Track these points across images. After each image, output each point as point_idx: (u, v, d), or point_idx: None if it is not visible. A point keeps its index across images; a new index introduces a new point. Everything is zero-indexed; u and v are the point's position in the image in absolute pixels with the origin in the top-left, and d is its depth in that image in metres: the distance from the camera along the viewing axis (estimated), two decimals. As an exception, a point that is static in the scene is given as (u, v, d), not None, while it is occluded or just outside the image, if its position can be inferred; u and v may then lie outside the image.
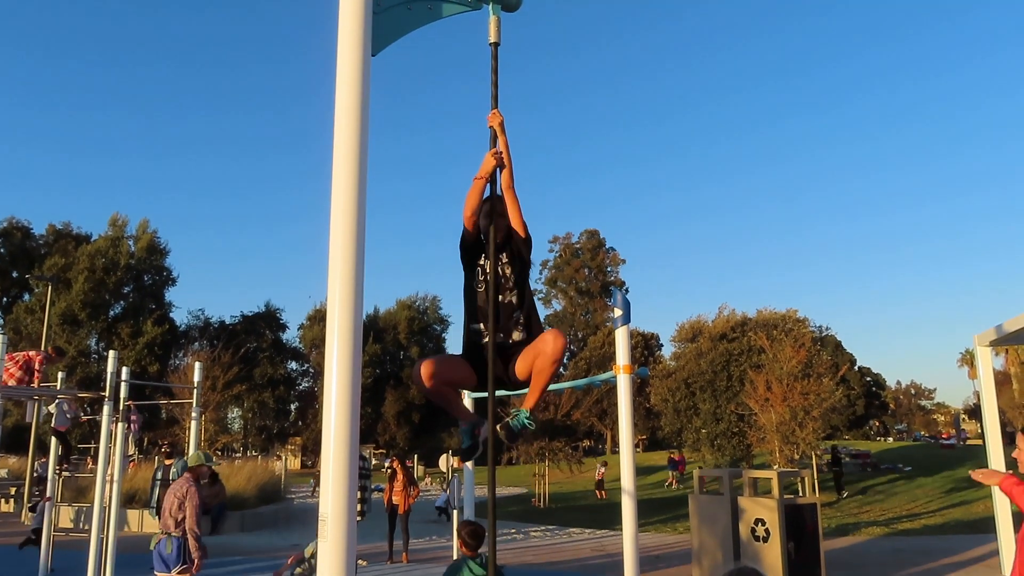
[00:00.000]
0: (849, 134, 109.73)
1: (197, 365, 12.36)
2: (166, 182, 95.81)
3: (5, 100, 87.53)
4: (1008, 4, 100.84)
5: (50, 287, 27.01)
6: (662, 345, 60.98)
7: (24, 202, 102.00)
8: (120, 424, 11.09)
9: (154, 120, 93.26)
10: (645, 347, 58.13)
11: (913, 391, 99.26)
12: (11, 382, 10.55)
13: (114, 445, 11.18)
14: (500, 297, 3.50)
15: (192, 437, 11.56)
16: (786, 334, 23.76)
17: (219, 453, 32.44)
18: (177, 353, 58.16)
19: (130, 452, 11.51)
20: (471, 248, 3.63)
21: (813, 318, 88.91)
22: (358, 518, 9.08)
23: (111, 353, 9.94)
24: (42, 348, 17.45)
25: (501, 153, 3.55)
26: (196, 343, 59.04)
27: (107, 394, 9.88)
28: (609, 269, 76.72)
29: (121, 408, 11.14)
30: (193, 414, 11.62)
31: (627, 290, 76.54)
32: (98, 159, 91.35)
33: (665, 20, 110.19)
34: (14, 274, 58.04)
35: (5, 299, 58.57)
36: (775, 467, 20.55)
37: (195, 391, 11.63)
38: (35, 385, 11.01)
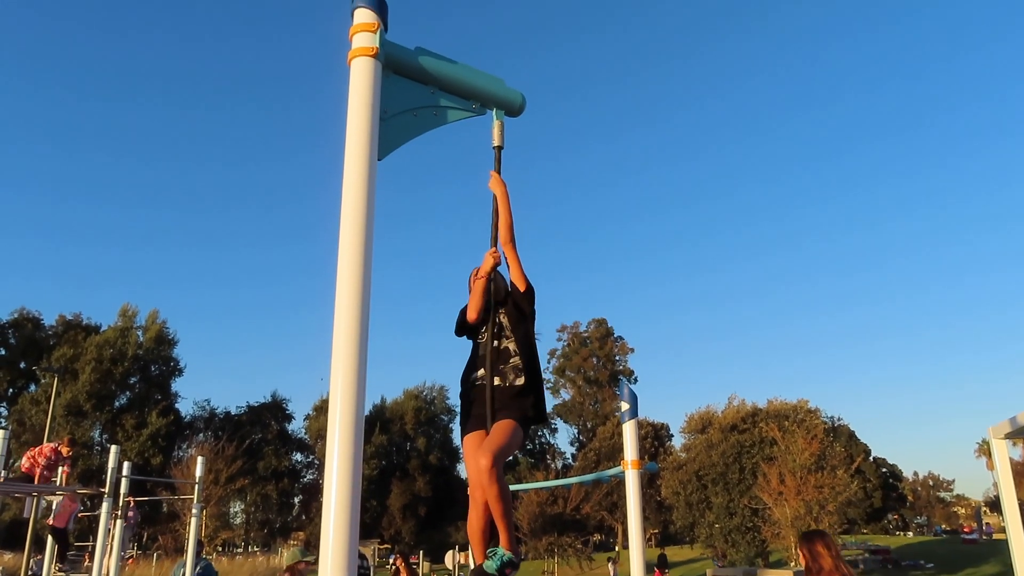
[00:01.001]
0: (860, 219, 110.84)
1: (199, 460, 12.21)
2: (176, 273, 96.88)
3: (17, 192, 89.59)
4: None
5: (56, 379, 26.96)
6: (672, 435, 60.07)
7: (35, 293, 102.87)
8: (119, 520, 10.91)
9: (166, 213, 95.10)
10: (655, 437, 57.16)
11: (931, 482, 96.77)
12: (41, 480, 10.18)
13: (112, 542, 10.96)
14: (497, 343, 3.57)
15: (192, 533, 11.30)
16: (798, 425, 23.35)
17: (219, 549, 31.63)
18: (181, 445, 57.58)
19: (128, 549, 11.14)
20: (470, 328, 3.76)
21: (825, 407, 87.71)
22: (358, 623, 8.65)
23: (113, 448, 9.85)
24: (47, 440, 17.28)
25: (499, 253, 3.68)
26: (200, 434, 58.51)
27: (107, 490, 9.72)
28: (618, 358, 76.31)
29: (121, 504, 10.99)
30: (194, 510, 11.40)
31: (636, 379, 76.08)
32: (110, 251, 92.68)
33: (666, 111, 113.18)
34: (22, 365, 58.09)
35: (11, 390, 58.43)
36: (791, 564, 19.89)
37: (196, 486, 11.45)
38: (67, 478, 10.57)
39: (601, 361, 75.24)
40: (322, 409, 64.87)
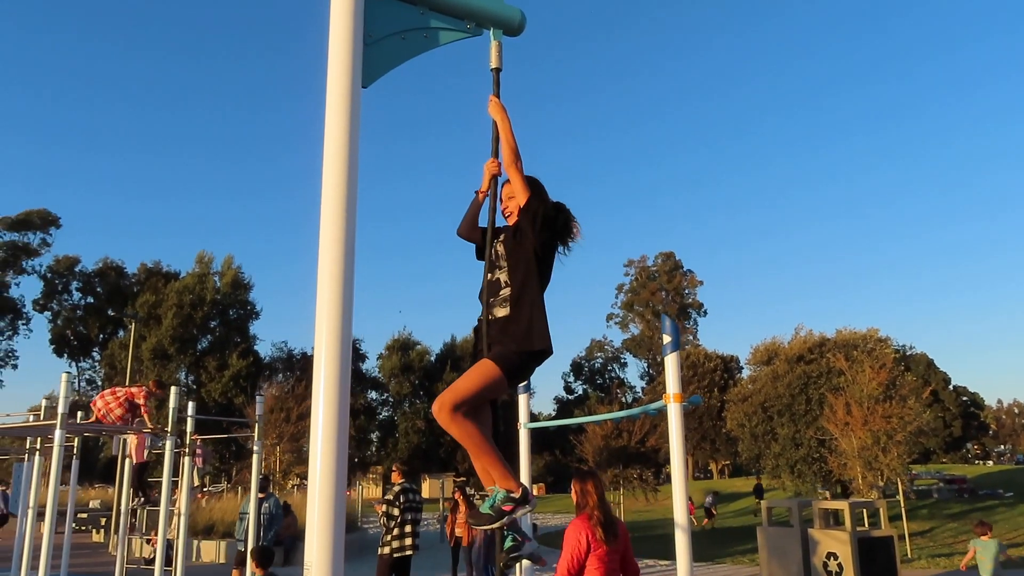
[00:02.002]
0: (935, 141, 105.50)
1: (258, 399, 12.58)
2: (249, 220, 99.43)
3: (99, 152, 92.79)
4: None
5: (134, 324, 28.16)
6: (742, 368, 59.43)
7: (118, 243, 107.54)
8: (186, 458, 11.36)
9: (237, 163, 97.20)
10: (725, 370, 56.61)
11: (1016, 410, 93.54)
12: (114, 420, 10.57)
13: (181, 478, 11.45)
14: (490, 275, 3.38)
15: (254, 469, 11.73)
16: (867, 354, 22.68)
17: (296, 484, 32.98)
18: (262, 385, 59.84)
19: (196, 484, 11.67)
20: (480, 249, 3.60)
21: (898, 336, 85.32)
22: (409, 552, 8.84)
23: (172, 389, 10.18)
24: (138, 383, 18.12)
25: (497, 163, 3.48)
26: (280, 374, 60.59)
27: (169, 429, 10.11)
28: (687, 291, 75.35)
29: (188, 443, 11.43)
30: (255, 447, 11.80)
31: (705, 312, 75.37)
32: (185, 201, 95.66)
33: (735, 32, 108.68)
34: (109, 312, 60.89)
35: (101, 336, 61.44)
36: (853, 494, 19.53)
37: (257, 424, 11.83)
38: (147, 421, 10.75)
39: (670, 295, 74.43)
40: (394, 348, 66.33)
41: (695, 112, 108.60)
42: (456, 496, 14.35)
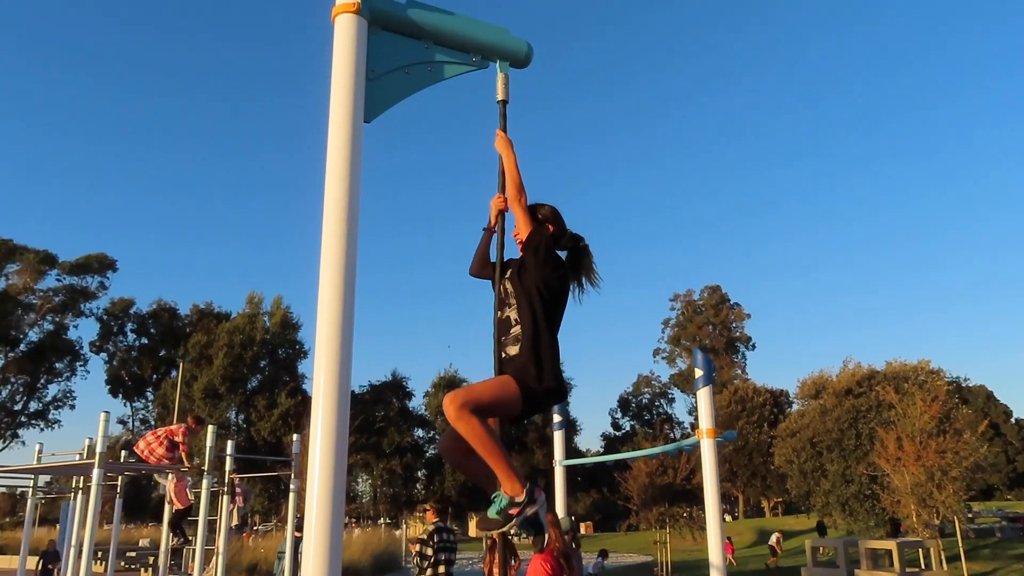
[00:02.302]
0: (986, 166, 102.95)
1: (295, 437, 12.65)
2: (296, 261, 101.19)
3: (154, 197, 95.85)
4: None
5: (181, 365, 28.72)
6: (792, 402, 58.08)
7: (171, 285, 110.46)
8: (224, 496, 11.44)
9: (286, 206, 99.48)
10: (774, 404, 55.35)
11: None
12: (157, 460, 10.57)
13: (219, 518, 11.53)
14: (499, 313, 3.35)
15: (290, 508, 11.75)
16: (918, 387, 21.91)
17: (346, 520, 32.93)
18: (304, 423, 60.42)
19: (236, 523, 11.71)
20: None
21: (953, 368, 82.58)
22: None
23: (209, 428, 10.29)
24: (179, 420, 18.38)
25: (503, 197, 3.45)
26: (327, 413, 60.98)
27: (206, 467, 10.20)
28: (734, 325, 74.25)
29: (226, 481, 11.52)
30: (292, 486, 11.84)
31: (753, 346, 74.03)
32: (236, 244, 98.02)
33: (780, 63, 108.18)
34: (162, 352, 62.28)
35: (155, 376, 62.78)
36: (907, 533, 18.69)
37: (292, 463, 11.88)
38: (184, 459, 10.81)
39: (717, 328, 73.44)
40: (440, 386, 66.49)
41: (737, 143, 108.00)
42: (493, 534, 14.12)
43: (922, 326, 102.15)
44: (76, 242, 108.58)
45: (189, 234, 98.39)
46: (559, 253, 3.53)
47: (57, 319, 57.54)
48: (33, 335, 55.82)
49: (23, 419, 55.74)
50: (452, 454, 3.25)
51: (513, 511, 3.04)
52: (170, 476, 11.25)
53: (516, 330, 3.25)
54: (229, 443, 11.73)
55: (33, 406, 56.73)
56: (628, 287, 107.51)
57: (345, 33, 3.27)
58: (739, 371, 71.40)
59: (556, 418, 10.18)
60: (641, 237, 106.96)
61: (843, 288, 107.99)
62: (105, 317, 62.18)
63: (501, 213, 3.50)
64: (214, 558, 11.45)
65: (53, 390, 57.64)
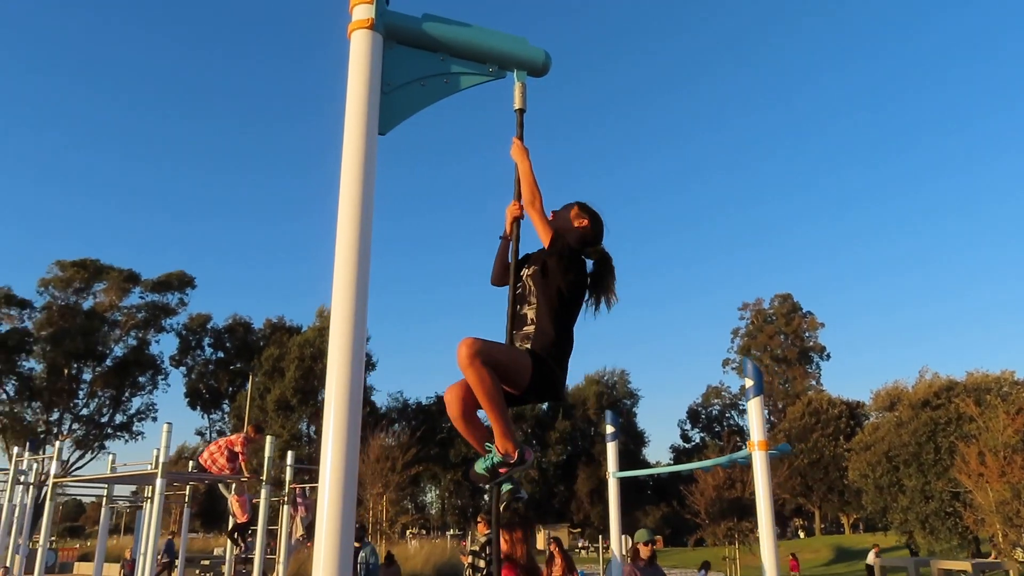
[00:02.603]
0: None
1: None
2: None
3: (229, 218, 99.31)
4: None
5: (251, 377, 29.53)
6: (869, 415, 56.01)
7: (245, 300, 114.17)
8: (285, 506, 11.65)
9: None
10: (851, 416, 53.44)
11: None
12: (219, 470, 10.75)
13: (280, 527, 11.73)
14: (519, 307, 3.38)
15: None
16: (1002, 399, 20.76)
17: (398, 533, 33.30)
18: (379, 434, 61.29)
19: (300, 534, 11.88)
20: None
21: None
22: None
23: (268, 439, 10.48)
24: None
25: (519, 205, 3.48)
26: (396, 424, 61.87)
27: (264, 478, 10.39)
28: (807, 334, 72.18)
29: (287, 492, 11.73)
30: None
31: (828, 356, 71.76)
32: (306, 260, 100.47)
33: (849, 66, 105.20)
34: (237, 365, 64.18)
35: (231, 389, 64.70)
36: (992, 554, 17.69)
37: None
38: (243, 468, 10.97)
39: (789, 338, 71.54)
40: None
41: (804, 147, 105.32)
42: (551, 548, 13.99)
43: (1006, 334, 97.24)
44: (157, 261, 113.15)
45: (261, 251, 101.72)
46: (586, 261, 3.58)
47: (140, 335, 59.83)
48: (118, 350, 58.18)
49: (109, 431, 58.06)
50: (456, 406, 3.25)
51: (503, 470, 3.09)
52: (232, 488, 11.48)
53: (530, 329, 3.30)
54: (289, 454, 11.95)
55: (118, 418, 59.08)
56: (696, 296, 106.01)
57: (360, 49, 3.31)
58: (813, 382, 69.32)
59: (609, 429, 10.01)
60: (706, 244, 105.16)
61: (921, 294, 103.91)
62: (184, 332, 64.42)
63: (517, 220, 3.51)
64: (276, 567, 11.64)
65: (137, 403, 59.90)
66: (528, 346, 3.22)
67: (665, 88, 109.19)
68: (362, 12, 3.34)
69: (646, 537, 6.69)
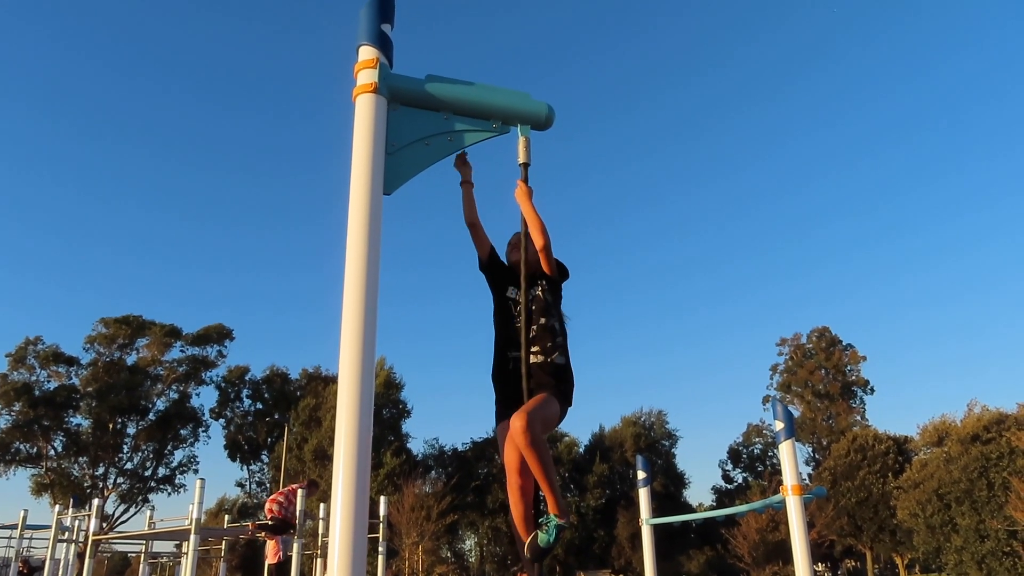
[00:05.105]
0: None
1: (382, 499, 12.73)
2: (400, 324, 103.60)
3: (265, 272, 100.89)
4: None
5: (286, 428, 29.67)
6: (914, 452, 54.26)
7: (282, 351, 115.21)
8: (318, 560, 11.61)
9: (386, 272, 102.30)
10: (898, 452, 51.86)
11: None
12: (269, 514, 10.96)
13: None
14: (544, 319, 3.61)
15: (380, 568, 11.80)
16: (1056, 432, 20.08)
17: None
18: (415, 482, 61.06)
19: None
20: (494, 275, 3.89)
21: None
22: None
23: (299, 491, 10.52)
24: (284, 483, 18.95)
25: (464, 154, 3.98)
26: (432, 471, 61.54)
27: (296, 529, 10.41)
28: (849, 368, 70.65)
29: (319, 543, 11.70)
30: (380, 548, 11.89)
31: (872, 390, 70.11)
32: (340, 310, 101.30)
33: (880, 95, 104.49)
34: (276, 416, 64.62)
35: (269, 439, 65.07)
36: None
37: (381, 525, 11.95)
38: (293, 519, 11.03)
39: (830, 373, 70.07)
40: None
41: (842, 174, 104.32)
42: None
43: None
44: (196, 315, 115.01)
45: (297, 301, 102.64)
46: None
47: (181, 388, 60.72)
48: (161, 404, 59.04)
49: (152, 484, 58.63)
50: (513, 466, 3.37)
51: (561, 535, 3.29)
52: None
53: (561, 340, 3.62)
54: (322, 506, 11.95)
55: (161, 471, 59.66)
56: (732, 332, 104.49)
57: (365, 112, 3.40)
58: (857, 417, 67.61)
59: (640, 475, 9.83)
60: (739, 280, 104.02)
61: (966, 324, 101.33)
62: (223, 384, 65.19)
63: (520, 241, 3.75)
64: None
65: (179, 456, 60.54)
66: (564, 360, 3.57)
67: (710, 120, 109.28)
68: (366, 77, 3.44)
69: None
